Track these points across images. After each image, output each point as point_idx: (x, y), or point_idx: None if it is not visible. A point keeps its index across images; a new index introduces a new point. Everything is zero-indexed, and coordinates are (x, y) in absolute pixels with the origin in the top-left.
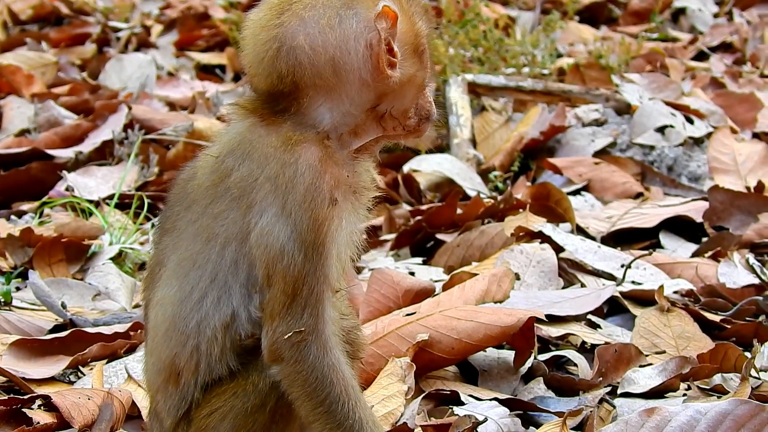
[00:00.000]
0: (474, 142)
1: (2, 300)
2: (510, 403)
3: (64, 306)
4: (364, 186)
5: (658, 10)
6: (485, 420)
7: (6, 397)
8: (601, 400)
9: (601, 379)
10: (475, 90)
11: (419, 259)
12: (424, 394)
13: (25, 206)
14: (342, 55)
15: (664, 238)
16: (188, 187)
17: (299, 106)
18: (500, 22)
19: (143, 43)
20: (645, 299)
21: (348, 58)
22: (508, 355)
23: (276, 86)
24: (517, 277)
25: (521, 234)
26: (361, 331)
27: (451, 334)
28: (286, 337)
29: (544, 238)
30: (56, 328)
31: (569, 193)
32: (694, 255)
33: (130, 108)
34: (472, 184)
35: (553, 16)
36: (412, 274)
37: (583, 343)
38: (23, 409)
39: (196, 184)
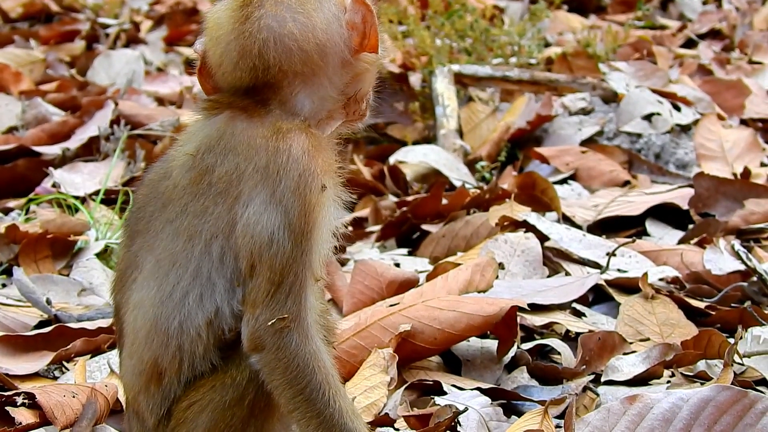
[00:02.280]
0: (461, 133)
1: None
2: (493, 393)
3: (49, 302)
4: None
5: None
6: (466, 409)
7: None
8: (585, 389)
9: (584, 367)
10: (461, 81)
11: (404, 250)
12: (406, 385)
13: (11, 203)
14: (328, 38)
15: (650, 226)
16: (161, 186)
17: (281, 94)
18: (487, 13)
19: (132, 39)
20: (630, 287)
21: (333, 40)
22: (492, 344)
23: (260, 79)
24: (502, 266)
25: (506, 223)
26: (331, 315)
27: (433, 324)
28: (270, 324)
29: (529, 228)
30: (41, 325)
31: (556, 182)
32: (681, 242)
33: (116, 104)
34: (458, 174)
35: (539, 5)
36: (398, 265)
37: (567, 331)
38: (5, 408)
39: (171, 184)
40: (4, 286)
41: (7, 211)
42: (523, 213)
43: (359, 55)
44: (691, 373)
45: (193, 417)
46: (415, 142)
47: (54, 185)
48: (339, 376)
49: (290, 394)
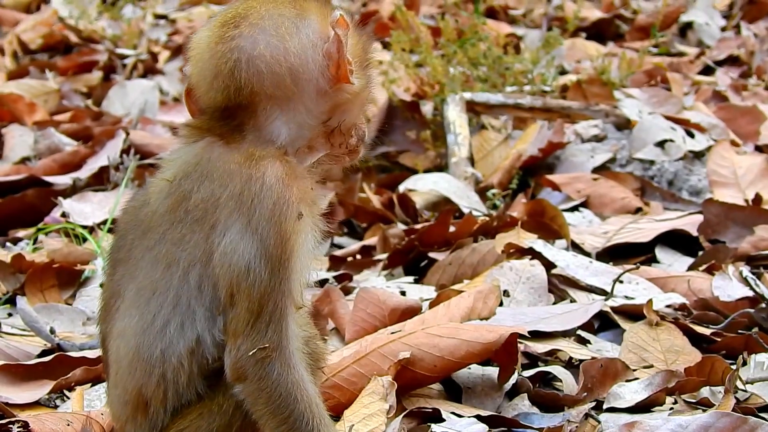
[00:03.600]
0: (472, 161)
1: None
2: (493, 420)
3: (52, 331)
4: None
5: (666, 25)
6: None
7: None
8: (586, 416)
9: (585, 394)
10: (473, 108)
11: (411, 278)
12: (405, 412)
13: (20, 233)
14: (301, 64)
15: (660, 253)
16: (140, 214)
17: (256, 120)
18: (500, 40)
19: (150, 70)
20: (636, 314)
21: (307, 66)
22: (493, 371)
23: (232, 100)
24: (507, 294)
25: (512, 251)
26: (320, 340)
27: (433, 352)
28: (250, 354)
29: (535, 255)
30: (44, 354)
31: (567, 210)
32: (690, 269)
33: (127, 134)
34: (469, 202)
35: (553, 33)
36: (403, 293)
37: (571, 358)
38: None
39: (150, 211)
40: (10, 315)
41: (15, 241)
42: (529, 240)
43: (338, 85)
44: (694, 400)
45: None
46: (427, 170)
47: (63, 215)
48: (323, 405)
49: (274, 424)
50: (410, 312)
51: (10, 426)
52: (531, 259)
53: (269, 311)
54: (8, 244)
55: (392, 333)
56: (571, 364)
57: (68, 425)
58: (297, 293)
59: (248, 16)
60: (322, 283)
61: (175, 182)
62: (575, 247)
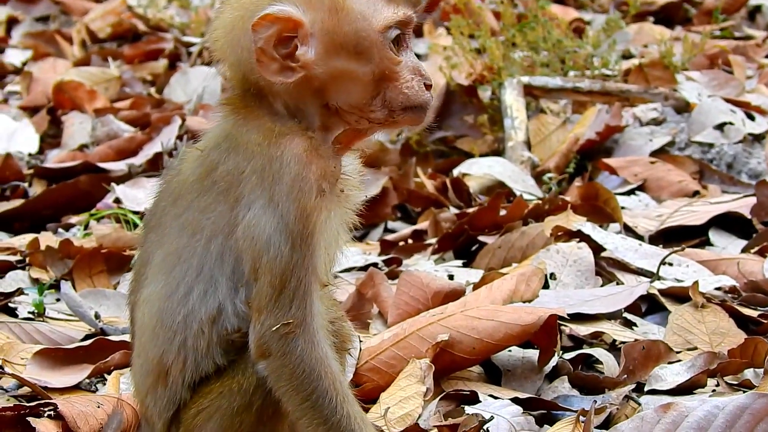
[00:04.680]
0: (529, 145)
1: (36, 311)
2: (531, 403)
3: (97, 316)
4: (351, 185)
5: (735, 8)
6: (491, 418)
7: (11, 404)
8: (627, 398)
9: (626, 376)
10: (532, 93)
11: (459, 262)
12: (442, 395)
13: (73, 219)
14: (247, 56)
15: (713, 235)
16: (173, 182)
17: (266, 98)
18: (562, 25)
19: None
20: (684, 296)
21: (249, 58)
22: (533, 354)
23: (241, 84)
24: (553, 276)
25: (560, 234)
26: (346, 321)
27: (471, 334)
28: (274, 329)
29: (584, 237)
30: (88, 338)
31: (624, 193)
32: (743, 251)
33: (184, 120)
34: (524, 186)
35: (613, 16)
36: (451, 276)
37: (615, 341)
38: (28, 418)
39: (181, 180)
40: (58, 300)
41: (68, 227)
42: (577, 223)
43: (283, 74)
44: (736, 382)
45: (202, 424)
46: (484, 155)
47: (116, 201)
48: (347, 383)
49: (297, 401)
50: (453, 295)
51: (42, 408)
52: (579, 241)
53: (292, 287)
54: (60, 230)
55: (432, 315)
56: (614, 347)
57: (99, 407)
58: (321, 270)
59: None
60: (372, 267)
61: (205, 152)
62: (628, 230)
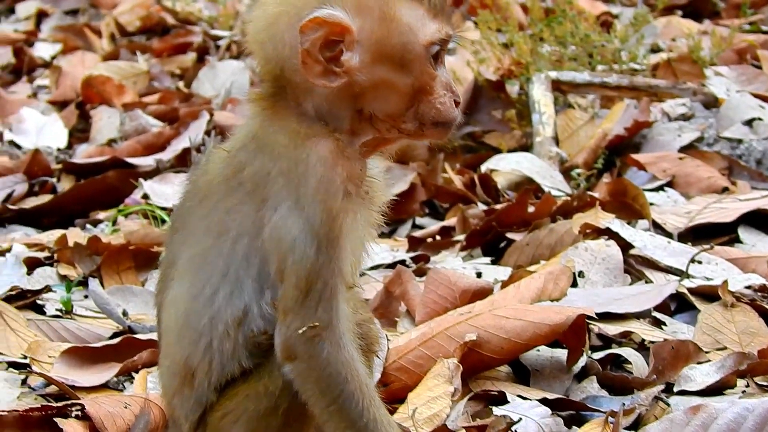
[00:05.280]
0: (557, 140)
1: (63, 308)
2: (560, 403)
3: (125, 314)
4: (377, 187)
5: (765, 2)
6: (519, 420)
7: (39, 405)
8: (656, 399)
9: (655, 377)
10: (559, 87)
11: (488, 259)
12: (470, 395)
13: (101, 215)
14: (289, 53)
15: (743, 233)
16: (200, 182)
17: (295, 98)
18: (590, 19)
19: (244, 50)
20: (713, 295)
21: (290, 59)
22: (562, 354)
23: (272, 73)
24: (582, 274)
25: (589, 231)
26: (374, 323)
27: (499, 334)
28: (300, 332)
29: (612, 235)
30: (116, 336)
31: (653, 189)
32: None
33: (212, 114)
34: (552, 182)
35: (641, 10)
36: (479, 274)
37: (644, 341)
38: (55, 418)
39: (207, 180)
40: (86, 297)
41: (96, 223)
42: (606, 220)
43: (327, 78)
44: (766, 383)
45: (228, 426)
46: (512, 150)
47: (144, 196)
48: (374, 386)
49: (323, 404)
50: (481, 293)
51: (69, 408)
52: (607, 239)
53: (318, 289)
54: (88, 225)
55: (460, 315)
56: (643, 347)
57: (126, 408)
58: (347, 273)
59: None
60: (400, 264)
61: (232, 153)
62: (657, 227)
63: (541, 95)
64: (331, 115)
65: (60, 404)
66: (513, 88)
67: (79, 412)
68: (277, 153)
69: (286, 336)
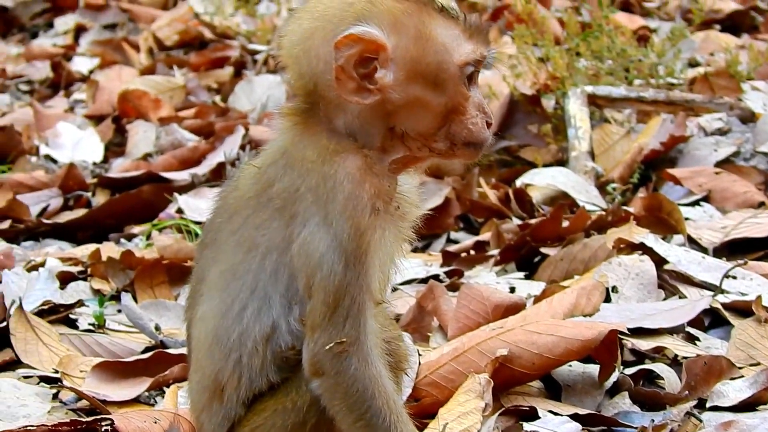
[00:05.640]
0: (593, 155)
1: (96, 323)
2: (591, 419)
3: (158, 328)
4: (409, 202)
5: None
6: None
7: (68, 420)
8: (689, 414)
9: (688, 392)
10: (595, 102)
11: (521, 274)
12: (501, 410)
13: (135, 229)
14: (323, 68)
15: None
16: (229, 198)
17: (326, 113)
18: (627, 33)
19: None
20: (747, 310)
21: (323, 75)
22: (594, 369)
23: (304, 88)
24: (615, 290)
25: (623, 246)
26: (403, 341)
27: (531, 349)
28: (327, 348)
29: (646, 250)
30: (148, 351)
31: (688, 204)
32: None
33: (247, 129)
34: (587, 197)
35: (678, 25)
36: (513, 289)
37: (677, 356)
38: None
39: (237, 195)
40: (119, 311)
41: (130, 237)
42: (640, 235)
43: (359, 95)
44: None
45: None
46: (548, 165)
47: (179, 211)
48: (401, 402)
49: (351, 420)
50: (514, 308)
51: (98, 423)
52: (641, 254)
53: (346, 305)
54: (122, 240)
55: (492, 330)
56: (676, 362)
57: (155, 423)
58: (375, 289)
59: (312, 8)
60: (433, 278)
61: (263, 168)
62: (692, 242)
63: (576, 110)
64: (363, 131)
65: (89, 419)
66: (549, 103)
67: (109, 427)
68: (306, 169)
69: (313, 352)
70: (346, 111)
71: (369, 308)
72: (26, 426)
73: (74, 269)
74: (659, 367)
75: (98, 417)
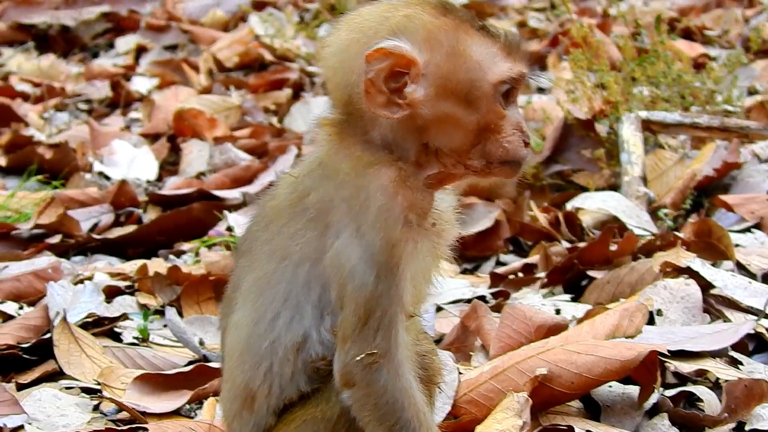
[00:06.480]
0: (645, 180)
1: (140, 336)
2: None
3: (201, 343)
4: (445, 220)
5: None
6: None
7: (103, 428)
8: None
9: (727, 415)
10: (649, 127)
11: (567, 296)
12: (539, 429)
13: (184, 246)
14: (356, 80)
15: None
16: (267, 207)
17: (363, 125)
18: (684, 59)
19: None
20: None
21: (355, 87)
22: (633, 390)
23: (342, 100)
24: (660, 313)
25: (669, 270)
26: (437, 356)
27: (570, 368)
28: (358, 359)
29: (692, 274)
30: (191, 365)
31: (740, 231)
32: None
33: (300, 149)
34: (638, 222)
35: (734, 52)
36: (558, 311)
37: (718, 379)
38: None
39: (274, 204)
40: (165, 326)
41: (179, 254)
42: (687, 259)
43: (388, 110)
44: None
45: None
46: (600, 189)
47: (228, 229)
48: (432, 414)
49: (380, 431)
50: (556, 329)
51: None
52: (687, 278)
53: (377, 317)
54: (172, 256)
55: (532, 349)
56: (718, 386)
57: None
58: (407, 302)
59: (356, 17)
60: (479, 299)
61: (299, 178)
62: (741, 268)
63: (630, 135)
64: (397, 145)
65: (125, 428)
66: (602, 128)
67: None
68: (341, 180)
69: (344, 363)
70: (380, 124)
71: (400, 320)
72: None
73: (122, 284)
74: (699, 390)
75: (133, 426)
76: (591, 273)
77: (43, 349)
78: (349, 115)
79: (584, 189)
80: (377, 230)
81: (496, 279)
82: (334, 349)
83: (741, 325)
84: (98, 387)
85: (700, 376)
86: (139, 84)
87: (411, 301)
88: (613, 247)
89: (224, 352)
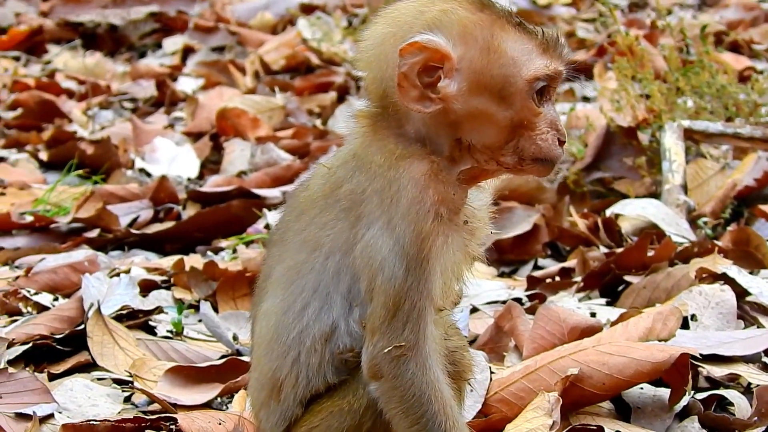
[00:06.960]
0: (686, 189)
1: (174, 330)
2: None
3: (235, 338)
4: (478, 219)
5: None
6: None
7: (131, 416)
8: None
9: (757, 419)
10: (691, 137)
11: (603, 300)
12: (568, 429)
13: (223, 243)
14: (391, 73)
15: None
16: (300, 197)
17: (398, 119)
18: (729, 71)
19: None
20: None
21: (390, 81)
22: (664, 392)
23: (377, 93)
24: (694, 318)
25: (705, 276)
26: (467, 351)
27: (601, 369)
28: (386, 351)
29: (728, 281)
30: (223, 359)
31: None
32: None
33: None
34: (677, 229)
35: None
36: (593, 314)
37: (750, 384)
38: (147, 431)
39: (307, 195)
40: (200, 321)
41: (217, 250)
42: (723, 266)
43: (421, 104)
44: None
45: None
46: (640, 197)
47: (266, 227)
48: (458, 408)
49: (406, 424)
50: (590, 331)
51: (162, 422)
52: (723, 284)
53: (406, 310)
54: (209, 252)
55: (564, 349)
56: (749, 390)
57: (219, 424)
58: (437, 295)
59: (392, 11)
60: (515, 301)
61: (333, 169)
62: None
63: (672, 143)
64: (430, 139)
65: (153, 417)
66: (645, 136)
67: (173, 426)
68: (373, 172)
69: (372, 355)
70: (414, 118)
71: (429, 314)
72: (89, 420)
73: (158, 278)
74: (730, 394)
75: (162, 416)
76: (628, 278)
77: (77, 341)
78: (384, 109)
79: (625, 196)
80: (408, 222)
81: (533, 282)
82: (362, 341)
83: None
84: (130, 378)
85: (733, 380)
86: (185, 84)
87: (441, 295)
88: (651, 253)
89: (253, 340)
